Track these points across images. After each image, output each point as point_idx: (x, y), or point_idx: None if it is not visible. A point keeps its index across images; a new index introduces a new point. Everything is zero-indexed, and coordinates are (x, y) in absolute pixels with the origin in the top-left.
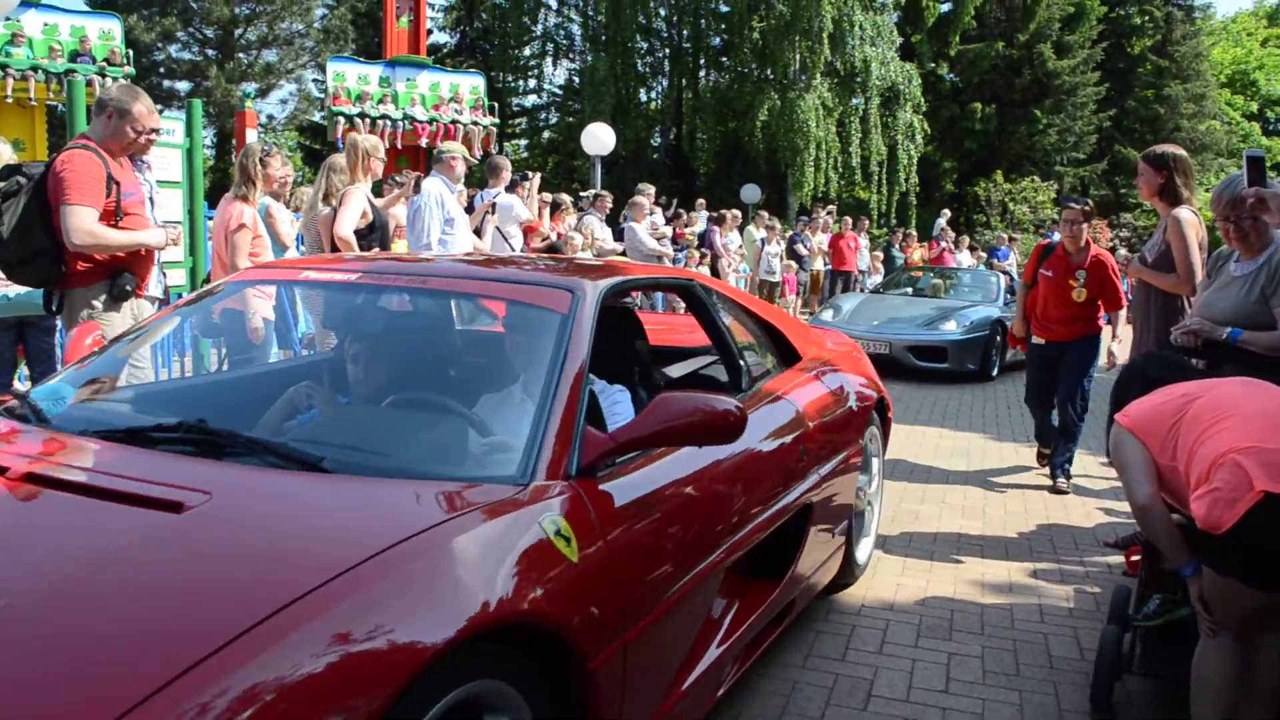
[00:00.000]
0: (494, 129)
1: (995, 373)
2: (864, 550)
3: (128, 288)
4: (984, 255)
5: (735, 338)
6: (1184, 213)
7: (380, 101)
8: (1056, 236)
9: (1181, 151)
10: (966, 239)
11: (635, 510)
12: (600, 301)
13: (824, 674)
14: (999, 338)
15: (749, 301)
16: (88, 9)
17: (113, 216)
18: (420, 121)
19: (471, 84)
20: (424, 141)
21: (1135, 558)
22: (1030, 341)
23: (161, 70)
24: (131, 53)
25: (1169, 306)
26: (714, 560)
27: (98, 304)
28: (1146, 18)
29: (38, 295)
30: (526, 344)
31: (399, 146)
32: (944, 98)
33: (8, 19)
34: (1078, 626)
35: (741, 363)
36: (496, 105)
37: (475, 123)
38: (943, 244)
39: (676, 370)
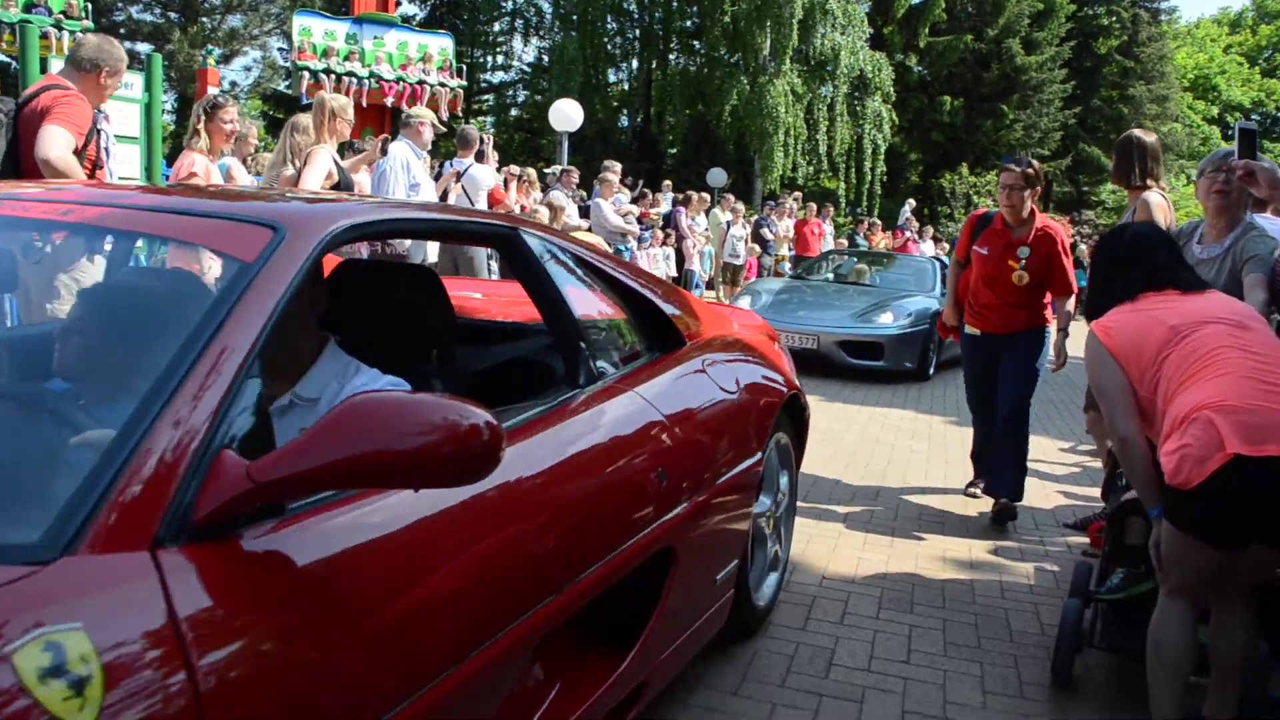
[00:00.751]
0: (461, 91)
1: (932, 371)
2: (766, 590)
3: None
4: (947, 246)
5: (582, 313)
6: (1153, 196)
7: (346, 58)
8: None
9: (1153, 136)
10: (930, 229)
11: (321, 587)
12: (326, 247)
13: (784, 642)
14: (935, 333)
15: (620, 267)
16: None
17: (92, 165)
18: (387, 80)
19: (440, 45)
20: (390, 101)
21: (1098, 532)
22: (963, 332)
23: (123, 31)
24: (90, 6)
25: None
26: (498, 644)
27: None
28: (1114, 18)
29: None
30: (166, 307)
31: (364, 105)
32: (912, 89)
33: None
34: (1038, 603)
35: (583, 346)
36: (465, 68)
37: (443, 84)
38: (907, 233)
39: (497, 356)
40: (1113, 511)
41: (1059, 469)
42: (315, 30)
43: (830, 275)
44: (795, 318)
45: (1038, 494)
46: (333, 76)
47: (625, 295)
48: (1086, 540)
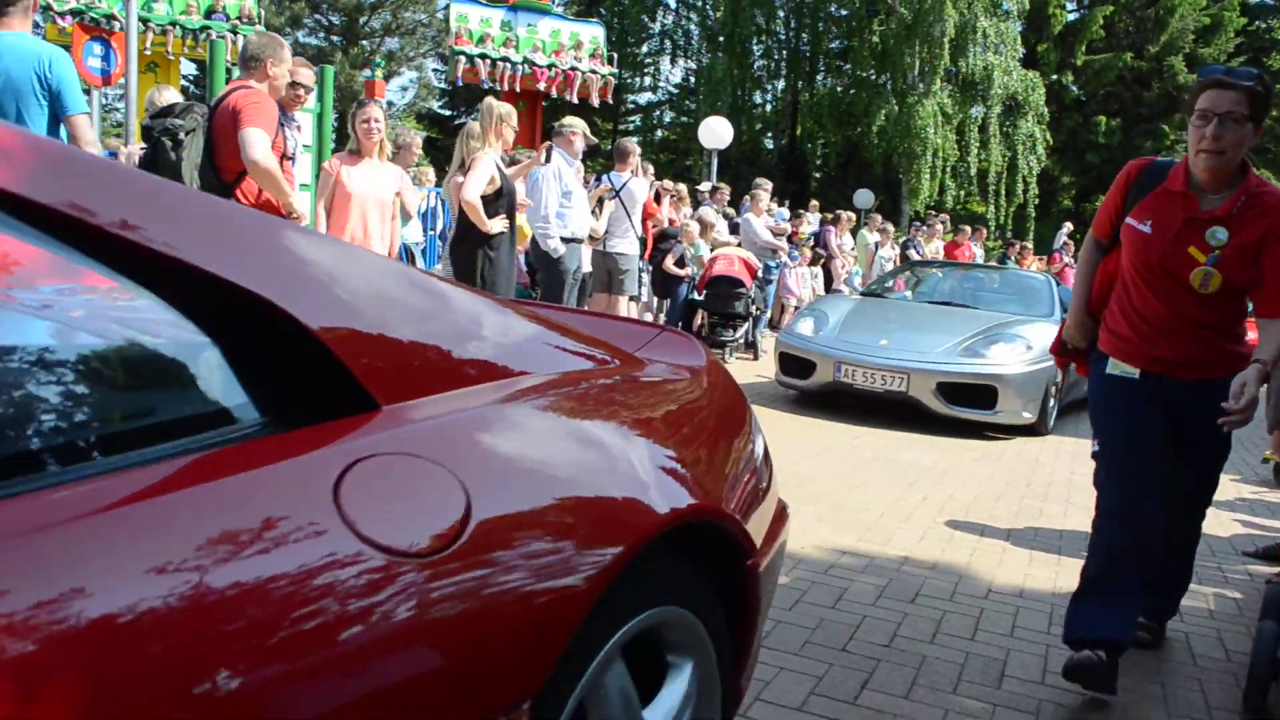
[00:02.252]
0: (612, 79)
1: (1052, 424)
2: None
3: None
4: None
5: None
6: None
7: (502, 45)
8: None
9: None
10: None
11: None
12: None
13: (954, 650)
14: (1057, 374)
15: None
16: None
17: (280, 155)
18: (539, 66)
19: (591, 33)
20: (542, 85)
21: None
22: (1099, 367)
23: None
24: (263, 12)
25: None
26: None
27: None
28: None
29: None
30: None
31: (517, 90)
32: (1067, 109)
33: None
34: (1220, 628)
35: None
36: (615, 56)
37: (594, 71)
38: (1064, 258)
39: None
40: None
41: (1232, 497)
42: (472, 17)
43: (909, 294)
44: (873, 349)
45: (1212, 522)
46: (487, 62)
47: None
48: (1269, 570)
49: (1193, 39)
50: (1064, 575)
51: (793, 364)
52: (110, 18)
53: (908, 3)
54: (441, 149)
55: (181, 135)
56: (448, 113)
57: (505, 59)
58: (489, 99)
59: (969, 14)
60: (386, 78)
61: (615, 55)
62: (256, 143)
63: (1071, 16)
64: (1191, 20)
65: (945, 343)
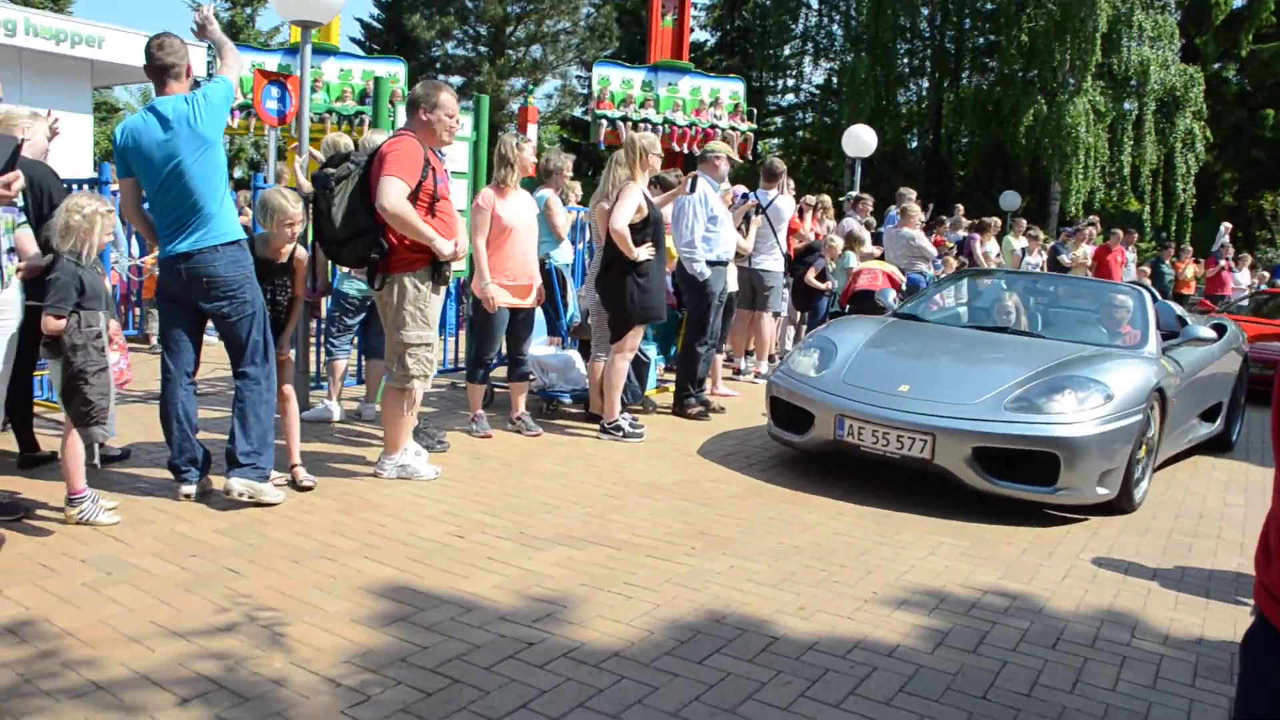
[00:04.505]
0: (751, 135)
1: (1140, 500)
2: None
3: (447, 273)
4: (1266, 276)
5: None
6: None
7: (642, 105)
8: None
9: None
10: (1248, 257)
11: None
12: None
13: (1095, 702)
14: (1150, 427)
15: None
16: (379, 55)
17: (430, 198)
18: (680, 126)
19: (731, 89)
20: (684, 147)
21: None
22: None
23: (438, 66)
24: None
25: None
26: None
27: (424, 287)
28: None
29: None
30: None
31: (657, 152)
32: (1228, 102)
33: (311, 67)
34: None
35: None
36: (755, 110)
37: (733, 128)
38: (1222, 261)
39: None
40: None
41: None
42: (614, 79)
43: (962, 310)
44: (889, 398)
45: None
46: (629, 124)
47: None
48: None
49: None
50: (1211, 621)
51: (786, 413)
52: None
53: None
54: (584, 154)
55: (333, 184)
56: (594, 142)
57: (646, 120)
58: (632, 132)
59: (1123, 6)
60: (533, 86)
61: (754, 110)
62: (388, 190)
63: (1238, 3)
64: None
65: (990, 389)
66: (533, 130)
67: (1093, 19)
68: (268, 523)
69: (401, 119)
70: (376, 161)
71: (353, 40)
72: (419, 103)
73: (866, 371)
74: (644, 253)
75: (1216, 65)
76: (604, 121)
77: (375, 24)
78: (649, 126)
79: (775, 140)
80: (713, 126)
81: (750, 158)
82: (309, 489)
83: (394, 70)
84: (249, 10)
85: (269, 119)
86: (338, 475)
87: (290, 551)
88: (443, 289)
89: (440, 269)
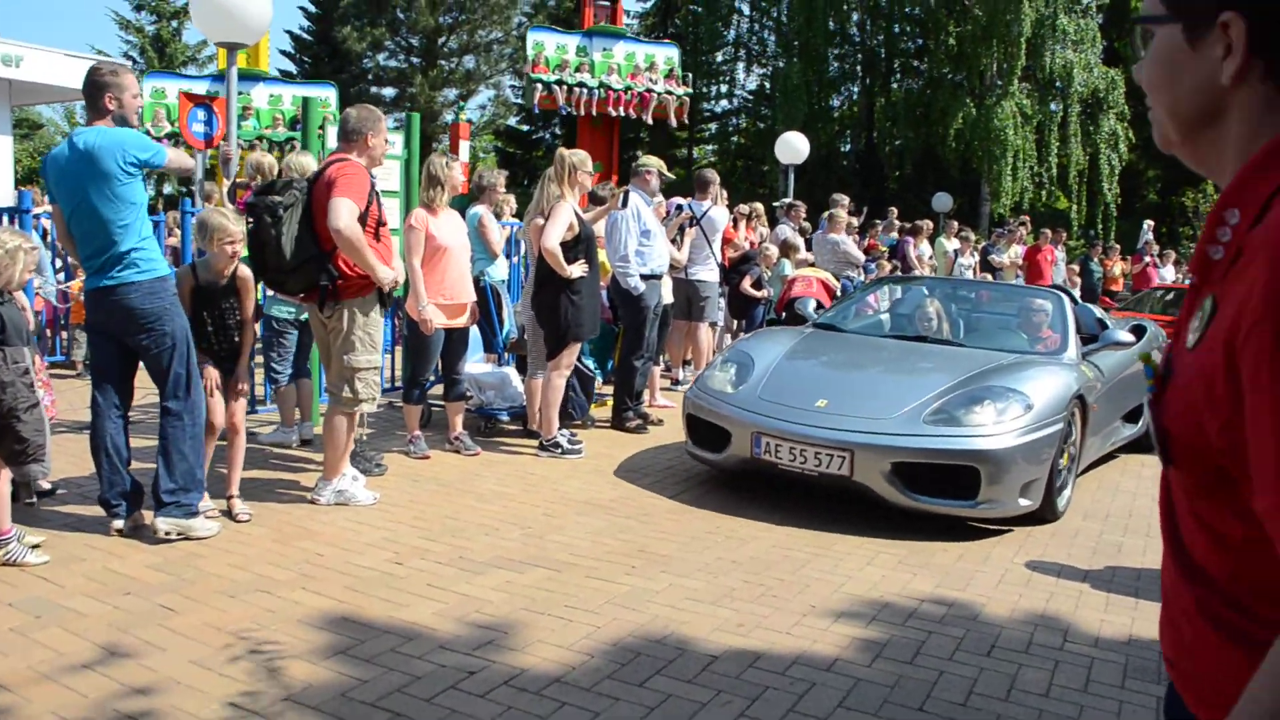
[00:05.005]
0: (687, 99)
1: (1064, 508)
2: None
3: (390, 297)
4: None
5: None
6: None
7: (577, 70)
8: None
9: None
10: (1172, 253)
11: None
12: None
13: (1028, 709)
14: (1071, 435)
15: None
16: (311, 79)
17: (375, 224)
18: (615, 90)
19: (666, 54)
20: (620, 111)
21: None
22: None
23: (370, 78)
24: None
25: None
26: None
27: (372, 313)
28: None
29: None
30: None
31: (594, 114)
32: None
33: (239, 94)
34: None
35: None
36: (690, 75)
37: (669, 92)
38: (1147, 258)
39: None
40: None
41: None
42: (548, 45)
43: (884, 317)
44: (806, 413)
45: None
46: (564, 88)
47: None
48: None
49: None
50: (1140, 621)
51: (703, 430)
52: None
53: (983, 3)
54: (519, 164)
55: (280, 211)
56: (525, 128)
57: (581, 84)
58: (560, 149)
59: (1046, 11)
60: (465, 96)
61: (690, 75)
62: (340, 211)
63: None
64: None
65: (908, 402)
66: (465, 147)
67: (1018, 23)
68: (203, 556)
69: (332, 140)
70: (323, 185)
71: (282, 53)
72: (362, 129)
73: (783, 386)
74: (577, 270)
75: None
76: (539, 85)
77: (305, 36)
78: (585, 90)
79: (710, 146)
80: (648, 90)
81: (687, 121)
82: (244, 522)
83: (325, 95)
84: (175, 24)
85: (195, 142)
86: (274, 502)
87: (226, 585)
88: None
89: (385, 293)
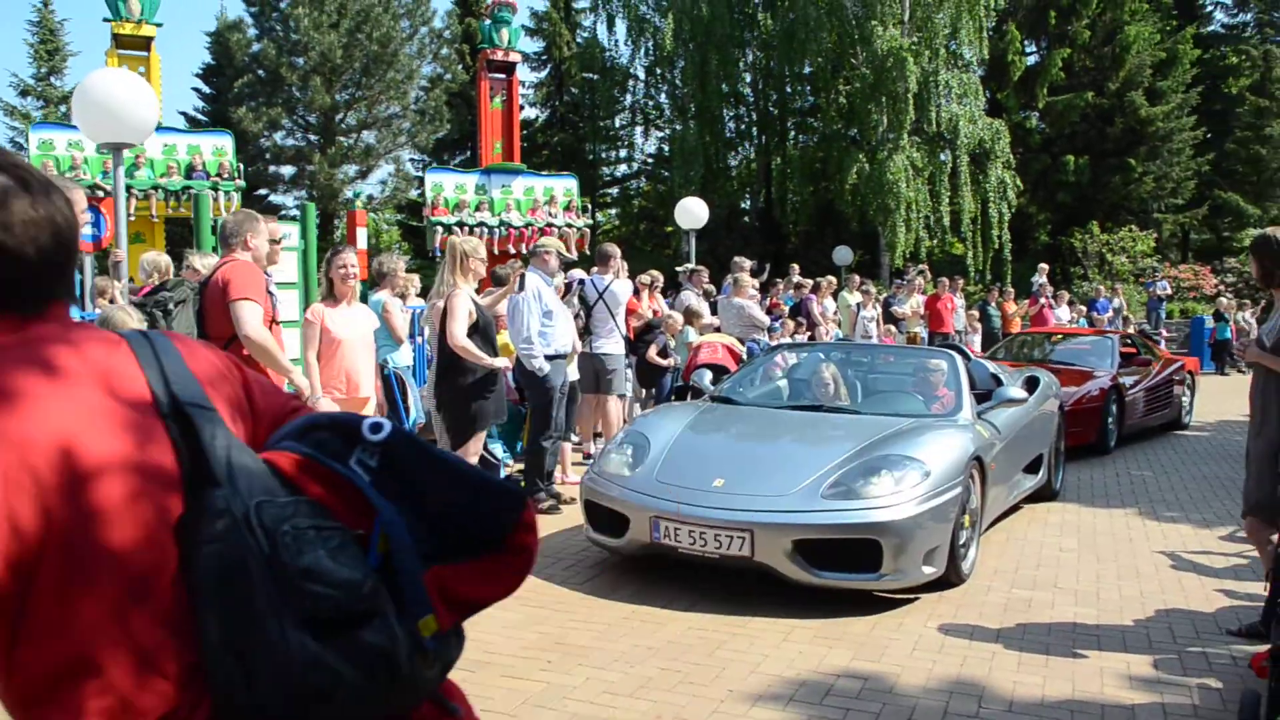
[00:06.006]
0: (587, 230)
1: (969, 570)
2: None
3: None
4: (1084, 310)
5: None
6: None
7: (477, 209)
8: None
9: None
10: (1065, 293)
11: None
12: None
13: None
14: (971, 497)
15: None
16: (205, 128)
17: (270, 321)
18: (516, 226)
19: (565, 186)
20: (523, 248)
21: (1263, 663)
22: None
23: (267, 156)
24: (242, 166)
25: None
26: None
27: None
28: (1243, 57)
29: None
30: None
31: (495, 252)
32: (1034, 150)
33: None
34: None
35: None
36: (589, 205)
37: (569, 225)
38: (1042, 299)
39: None
40: (1277, 649)
41: (1218, 560)
42: (447, 185)
43: (781, 384)
44: (703, 493)
45: (1196, 594)
46: (465, 229)
47: None
48: (1254, 649)
49: (1150, 73)
50: (1051, 680)
51: (602, 516)
52: (95, 187)
53: (870, 61)
54: (422, 236)
55: (171, 306)
56: (430, 251)
57: (482, 223)
58: (452, 238)
59: (929, 67)
60: (365, 173)
61: (588, 205)
62: (249, 319)
63: (1031, 60)
64: (1148, 55)
65: (806, 476)
66: (361, 234)
67: (904, 80)
68: None
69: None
70: (216, 287)
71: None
72: (239, 232)
73: (680, 466)
74: (501, 361)
75: (1020, 116)
76: (439, 228)
77: (200, 116)
78: (485, 229)
79: (612, 210)
80: (549, 225)
81: (587, 252)
82: None
83: (220, 144)
84: (63, 109)
85: (84, 245)
86: None
87: None
88: None
89: None
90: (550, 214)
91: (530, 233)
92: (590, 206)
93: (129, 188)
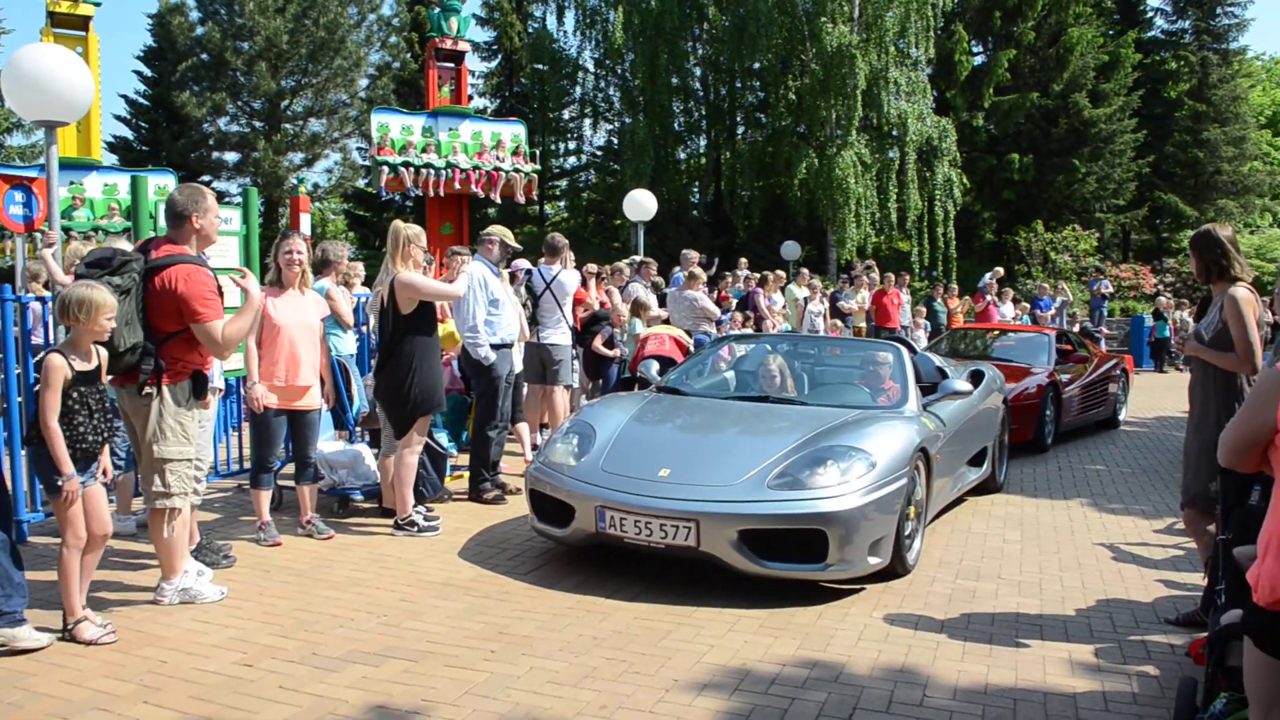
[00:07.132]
0: (535, 175)
1: (914, 562)
2: None
3: (210, 392)
4: (1028, 307)
5: None
6: (1240, 290)
7: (424, 150)
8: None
9: (1228, 230)
10: (1009, 291)
11: None
12: None
13: None
14: (916, 488)
15: None
16: (151, 168)
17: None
18: (463, 169)
19: (513, 131)
20: (468, 190)
21: (1201, 649)
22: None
23: (211, 142)
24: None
25: (1229, 385)
26: None
27: (184, 401)
28: (1182, 63)
29: None
30: None
31: (442, 195)
32: (980, 149)
33: (71, 183)
34: (1142, 715)
35: None
36: (537, 152)
37: (517, 169)
38: (988, 297)
39: None
40: (1215, 635)
41: (1157, 552)
42: (393, 126)
43: (728, 375)
44: (648, 484)
45: (1136, 584)
46: (411, 170)
47: None
48: (1189, 638)
49: (1094, 75)
50: (995, 668)
51: (547, 506)
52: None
53: (819, 57)
54: (368, 226)
55: (118, 296)
56: (374, 190)
57: (429, 165)
58: (395, 223)
59: (879, 64)
60: (311, 160)
61: (538, 151)
62: (221, 341)
63: (978, 61)
64: (1091, 58)
65: (752, 467)
66: (305, 220)
67: (853, 77)
68: (33, 675)
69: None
70: (167, 287)
71: (117, 118)
72: (190, 211)
73: (626, 456)
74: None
75: (966, 115)
76: (385, 168)
77: (142, 101)
78: (432, 171)
79: (561, 202)
80: (496, 169)
81: (536, 199)
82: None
83: (163, 183)
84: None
85: (13, 225)
86: (115, 605)
87: (59, 706)
88: (205, 404)
89: (201, 384)
90: (499, 158)
91: (478, 175)
92: (536, 153)
93: (67, 229)
